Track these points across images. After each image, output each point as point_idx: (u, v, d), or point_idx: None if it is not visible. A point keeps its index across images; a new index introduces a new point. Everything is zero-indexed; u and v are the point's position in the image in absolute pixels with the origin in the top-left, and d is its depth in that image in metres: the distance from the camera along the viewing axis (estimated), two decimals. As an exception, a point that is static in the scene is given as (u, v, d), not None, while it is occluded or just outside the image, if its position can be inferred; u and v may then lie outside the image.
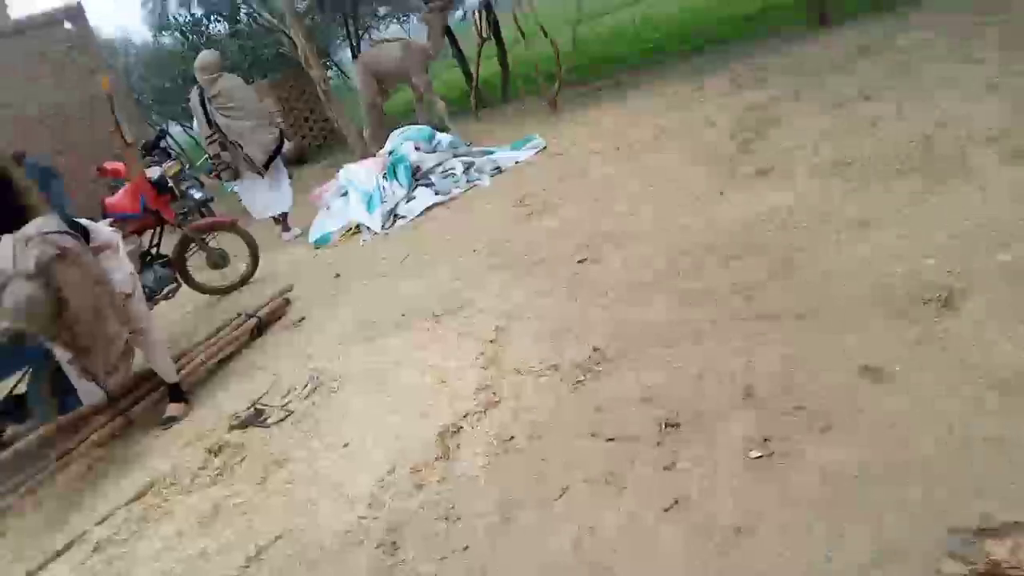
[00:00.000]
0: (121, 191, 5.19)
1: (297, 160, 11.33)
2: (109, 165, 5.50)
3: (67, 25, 11.03)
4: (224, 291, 5.57)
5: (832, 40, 6.86)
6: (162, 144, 8.47)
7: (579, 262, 3.83)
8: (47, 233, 2.96)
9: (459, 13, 12.09)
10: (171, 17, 15.32)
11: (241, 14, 14.36)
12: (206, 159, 7.91)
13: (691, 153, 4.96)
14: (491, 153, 6.63)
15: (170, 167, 5.64)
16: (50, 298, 2.85)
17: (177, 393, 3.68)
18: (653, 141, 5.60)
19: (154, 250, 5.22)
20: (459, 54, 11.79)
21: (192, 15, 14.97)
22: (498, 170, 6.25)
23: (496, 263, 4.24)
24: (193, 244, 5.33)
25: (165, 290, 5.04)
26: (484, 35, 9.72)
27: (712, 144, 4.98)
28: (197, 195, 6.54)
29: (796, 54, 6.79)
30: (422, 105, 8.86)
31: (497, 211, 5.25)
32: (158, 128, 8.71)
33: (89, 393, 3.52)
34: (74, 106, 10.60)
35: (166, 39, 16.78)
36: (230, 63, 13.29)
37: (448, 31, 10.10)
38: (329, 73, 18.36)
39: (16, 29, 10.89)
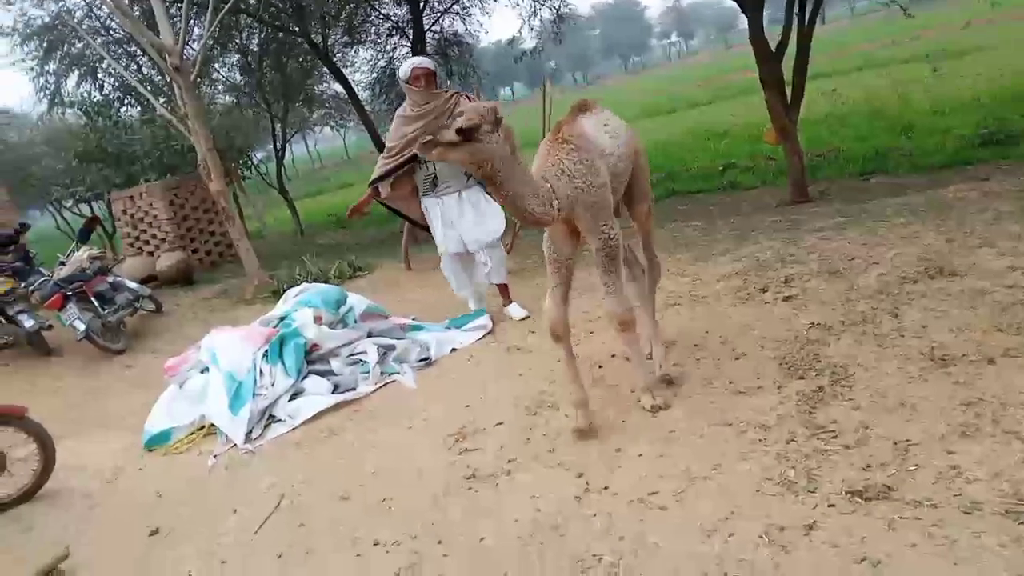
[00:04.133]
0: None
1: (184, 280, 9.39)
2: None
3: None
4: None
5: None
6: (21, 241, 6.46)
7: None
8: None
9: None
10: (67, 97, 14.06)
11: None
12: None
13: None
14: (419, 330, 4.88)
15: (-3, 285, 4.63)
16: None
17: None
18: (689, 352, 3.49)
19: None
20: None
21: (103, 95, 13.91)
22: (427, 360, 4.52)
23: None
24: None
25: None
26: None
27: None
28: (27, 323, 5.45)
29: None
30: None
31: (420, 448, 3.43)
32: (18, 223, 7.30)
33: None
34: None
35: (69, 116, 15.45)
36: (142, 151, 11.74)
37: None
38: (249, 173, 17.06)
39: None
